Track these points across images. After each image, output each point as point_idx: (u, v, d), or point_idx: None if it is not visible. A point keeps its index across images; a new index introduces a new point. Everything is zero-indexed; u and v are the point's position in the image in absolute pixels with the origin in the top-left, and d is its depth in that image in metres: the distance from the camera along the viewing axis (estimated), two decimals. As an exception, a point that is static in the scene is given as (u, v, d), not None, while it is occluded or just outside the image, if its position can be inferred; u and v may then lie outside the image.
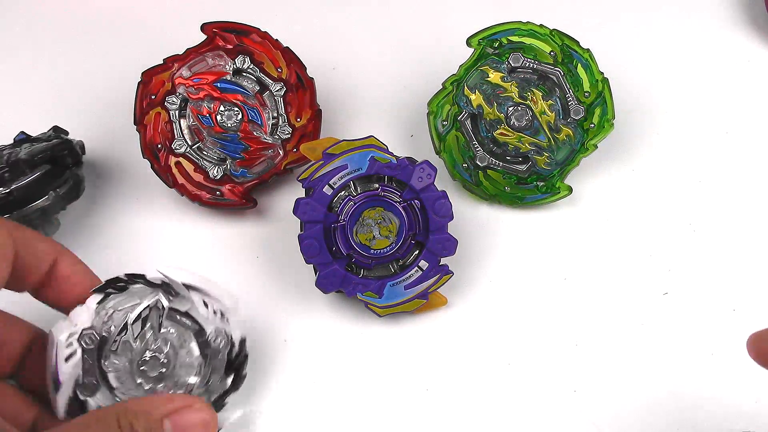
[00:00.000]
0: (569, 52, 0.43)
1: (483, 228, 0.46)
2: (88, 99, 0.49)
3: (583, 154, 0.44)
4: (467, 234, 0.45)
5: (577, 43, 0.43)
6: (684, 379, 0.42)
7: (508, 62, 0.43)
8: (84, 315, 0.37)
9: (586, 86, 0.43)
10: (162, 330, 0.38)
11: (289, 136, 0.44)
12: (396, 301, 0.42)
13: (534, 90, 0.43)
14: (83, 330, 0.36)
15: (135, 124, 0.44)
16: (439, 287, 0.42)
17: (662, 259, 0.44)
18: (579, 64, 0.43)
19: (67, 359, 0.36)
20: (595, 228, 0.45)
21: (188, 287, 0.38)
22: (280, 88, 0.44)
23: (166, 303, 0.38)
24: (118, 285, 0.37)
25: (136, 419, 0.32)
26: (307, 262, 0.41)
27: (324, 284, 0.41)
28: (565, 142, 0.44)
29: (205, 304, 0.38)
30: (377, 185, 0.42)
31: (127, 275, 0.38)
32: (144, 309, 0.37)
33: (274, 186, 0.46)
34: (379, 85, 0.48)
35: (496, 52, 0.43)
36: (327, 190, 0.41)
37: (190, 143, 0.44)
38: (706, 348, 0.43)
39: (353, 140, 0.41)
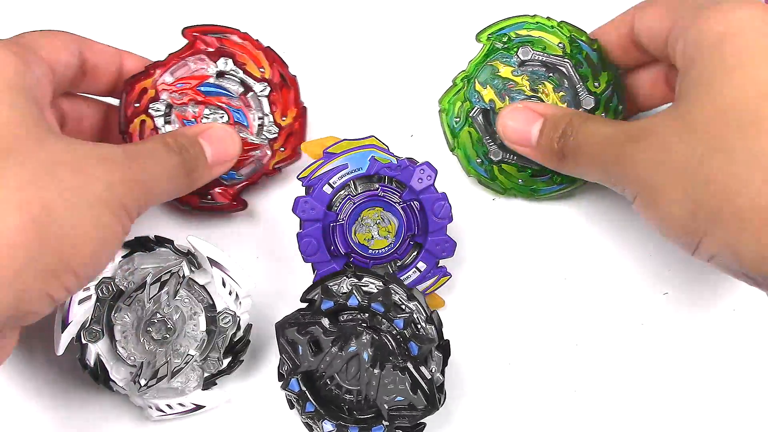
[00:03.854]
0: (578, 43, 0.43)
1: (481, 228, 0.45)
2: None
3: None
4: (466, 234, 0.45)
5: (585, 33, 0.43)
6: (684, 378, 0.42)
7: (518, 56, 0.43)
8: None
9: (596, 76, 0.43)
10: (177, 297, 0.39)
11: (275, 135, 0.44)
12: None
13: (545, 82, 0.43)
14: (103, 278, 0.38)
15: (120, 133, 0.43)
16: (437, 289, 0.42)
17: (662, 259, 0.44)
18: (588, 55, 0.43)
19: (80, 302, 0.37)
20: (595, 228, 0.45)
21: (212, 262, 0.38)
22: (264, 88, 0.44)
23: (187, 272, 0.39)
24: (146, 245, 0.39)
25: (178, 136, 0.38)
26: (306, 261, 0.41)
27: None
28: (578, 133, 0.44)
29: (224, 283, 0.39)
30: (377, 185, 0.41)
31: (156, 237, 0.39)
32: (165, 273, 0.38)
33: (270, 186, 0.46)
34: (378, 84, 0.47)
35: (505, 46, 0.43)
36: (327, 189, 0.40)
37: None
38: (705, 348, 0.43)
39: (354, 140, 0.41)
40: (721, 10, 0.33)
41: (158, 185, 0.35)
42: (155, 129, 0.43)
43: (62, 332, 0.37)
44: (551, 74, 0.43)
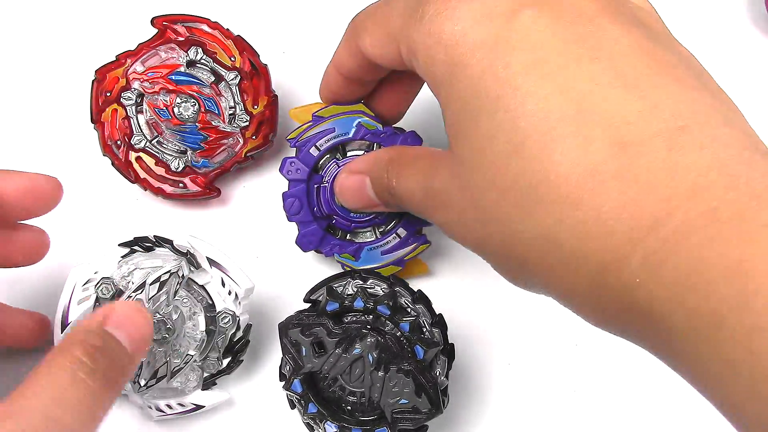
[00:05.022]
0: None
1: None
2: (42, 100, 0.47)
3: None
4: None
5: None
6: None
7: None
8: (106, 264, 0.38)
9: None
10: (176, 297, 0.39)
11: (247, 123, 0.44)
12: (372, 265, 0.42)
13: None
14: (102, 278, 0.38)
15: (92, 122, 0.43)
16: (415, 256, 0.42)
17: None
18: None
19: (79, 302, 0.37)
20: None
21: (211, 262, 0.38)
22: (235, 77, 0.44)
23: (186, 272, 0.38)
24: (145, 244, 0.38)
25: (86, 337, 0.30)
26: (289, 220, 0.42)
27: (303, 242, 0.42)
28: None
29: (223, 283, 0.39)
30: (364, 152, 0.42)
31: (155, 237, 0.38)
32: (164, 273, 0.38)
33: (243, 173, 0.46)
34: None
35: None
36: (313, 151, 0.41)
37: (149, 138, 0.44)
38: (705, 348, 0.43)
39: (343, 105, 0.41)
40: (425, 30, 0.29)
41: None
42: (127, 118, 0.43)
43: (62, 332, 0.37)
44: None
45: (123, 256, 0.39)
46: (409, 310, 0.37)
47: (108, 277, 0.38)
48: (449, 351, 0.37)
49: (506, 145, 0.26)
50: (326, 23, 0.48)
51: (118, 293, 0.38)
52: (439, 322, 0.37)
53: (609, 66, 0.26)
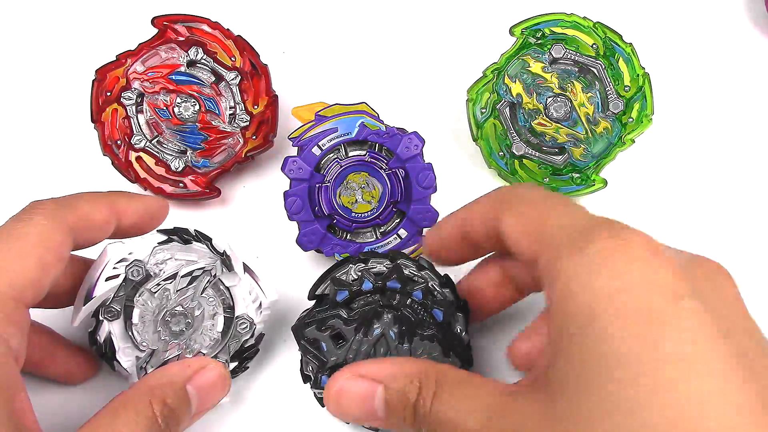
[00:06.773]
0: (611, 46, 0.43)
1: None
2: (42, 99, 0.47)
3: (619, 148, 0.44)
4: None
5: (620, 36, 0.43)
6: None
7: (550, 53, 0.43)
8: (141, 247, 0.38)
9: (627, 80, 0.43)
10: (202, 295, 0.39)
11: (247, 123, 0.44)
12: None
13: (574, 82, 0.43)
14: (135, 260, 0.38)
15: (92, 121, 0.44)
16: (416, 257, 0.42)
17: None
18: (621, 58, 0.43)
19: (108, 279, 0.38)
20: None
21: (246, 268, 0.39)
22: (235, 77, 0.44)
23: (219, 273, 0.39)
24: (184, 236, 0.39)
25: (167, 394, 0.33)
26: (290, 219, 0.42)
27: (304, 242, 0.42)
28: (603, 135, 0.44)
29: (250, 290, 0.39)
30: (366, 151, 0.42)
31: (196, 231, 0.39)
32: (198, 270, 0.38)
33: (242, 173, 0.46)
34: (410, 73, 0.48)
35: (539, 42, 0.43)
36: (316, 150, 0.41)
37: (149, 137, 0.44)
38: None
39: (346, 105, 0.42)
40: (584, 264, 0.27)
41: None
42: (127, 117, 0.44)
43: (83, 305, 0.37)
44: (582, 74, 0.43)
45: (160, 243, 0.39)
46: (416, 278, 0.37)
47: (140, 260, 0.38)
48: (463, 307, 0.37)
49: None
50: (326, 23, 0.48)
51: (147, 278, 0.38)
52: (447, 282, 0.37)
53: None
